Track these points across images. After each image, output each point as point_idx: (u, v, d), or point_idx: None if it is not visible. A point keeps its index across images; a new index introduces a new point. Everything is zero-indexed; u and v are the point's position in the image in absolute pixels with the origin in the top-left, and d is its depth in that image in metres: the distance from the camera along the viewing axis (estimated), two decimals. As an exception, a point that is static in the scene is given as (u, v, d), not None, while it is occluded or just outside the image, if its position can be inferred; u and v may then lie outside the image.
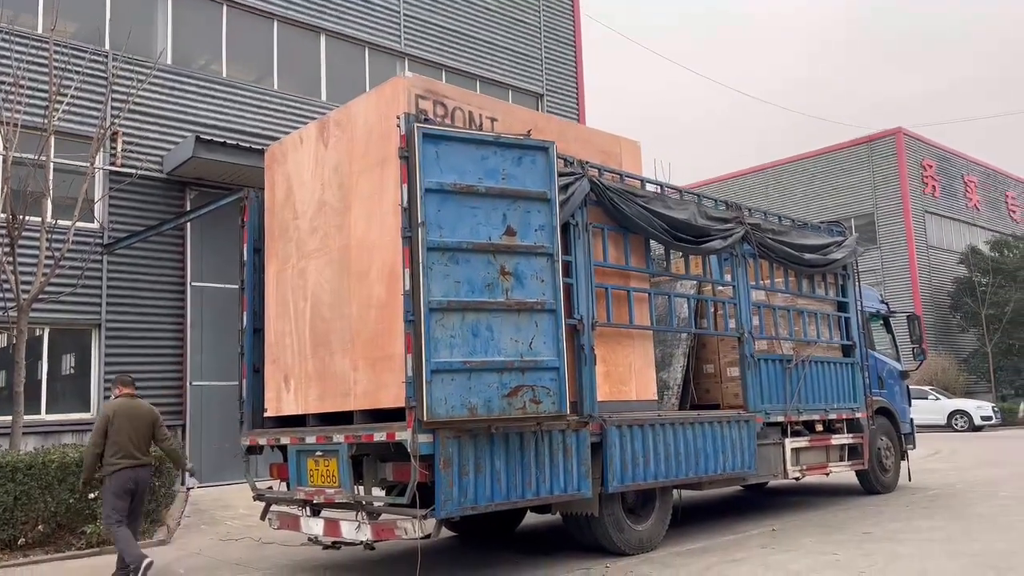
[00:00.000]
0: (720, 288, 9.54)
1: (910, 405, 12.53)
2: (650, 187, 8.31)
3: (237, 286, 14.25)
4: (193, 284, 14.51)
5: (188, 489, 13.35)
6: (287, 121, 15.87)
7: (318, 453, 6.87)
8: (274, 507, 7.68)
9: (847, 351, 10.71)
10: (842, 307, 10.83)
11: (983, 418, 27.43)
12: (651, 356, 8.12)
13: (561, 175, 6.98)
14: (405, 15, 18.43)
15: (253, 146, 14.28)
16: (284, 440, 7.28)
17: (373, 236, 6.71)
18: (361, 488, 6.77)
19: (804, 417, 9.70)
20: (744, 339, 9.00)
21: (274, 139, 15.02)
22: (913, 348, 12.29)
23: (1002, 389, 32.98)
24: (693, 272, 9.09)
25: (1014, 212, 42.07)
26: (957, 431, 26.83)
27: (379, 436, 6.29)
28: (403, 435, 6.04)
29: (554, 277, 6.57)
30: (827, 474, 10.19)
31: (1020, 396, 31.77)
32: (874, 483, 11.18)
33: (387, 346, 6.47)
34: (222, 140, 14.08)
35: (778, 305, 9.71)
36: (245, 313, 7.96)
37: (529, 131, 6.74)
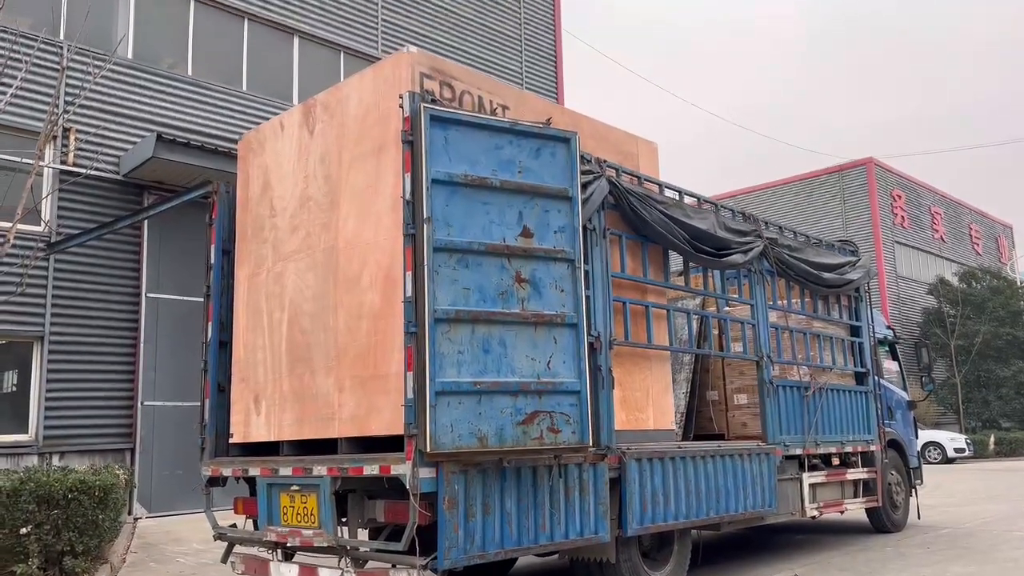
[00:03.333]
0: (726, 307, 8.77)
1: (917, 437, 11.87)
2: (668, 193, 7.51)
3: (198, 298, 13.42)
4: (149, 295, 13.37)
5: (135, 520, 12.15)
6: (254, 123, 14.84)
7: (294, 487, 5.87)
8: (238, 548, 6.64)
9: (860, 379, 10.00)
10: (855, 331, 10.14)
11: (956, 450, 27.13)
12: (669, 380, 7.29)
13: (580, 173, 6.13)
14: (383, 20, 17.60)
15: (219, 148, 13.29)
16: (253, 471, 6.26)
17: (366, 235, 5.79)
18: (345, 530, 5.77)
19: (821, 450, 8.93)
20: (763, 363, 8.22)
21: (235, 142, 14.06)
22: (921, 377, 11.65)
23: (970, 421, 32.84)
24: (697, 287, 8.30)
25: (977, 244, 42.41)
26: (930, 463, 26.41)
27: (370, 469, 5.33)
28: (401, 469, 5.09)
29: (575, 287, 5.70)
30: (842, 512, 9.41)
31: (988, 428, 31.63)
32: (885, 521, 10.45)
33: (381, 363, 5.53)
34: (185, 140, 13.04)
35: (794, 327, 8.96)
36: (210, 324, 6.94)
37: (548, 119, 5.90)
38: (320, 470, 5.65)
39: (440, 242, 5.25)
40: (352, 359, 5.73)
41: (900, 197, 36.33)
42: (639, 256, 7.09)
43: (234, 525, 6.76)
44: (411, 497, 4.98)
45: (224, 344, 6.97)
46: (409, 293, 5.19)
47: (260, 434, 6.45)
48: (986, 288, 33.91)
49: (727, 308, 8.79)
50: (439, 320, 5.15)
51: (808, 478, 8.67)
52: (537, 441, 5.35)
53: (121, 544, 10.34)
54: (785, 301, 8.89)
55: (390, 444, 5.50)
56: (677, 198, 7.55)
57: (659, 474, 6.64)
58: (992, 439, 28.99)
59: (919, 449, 26.59)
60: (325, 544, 5.58)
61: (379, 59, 17.42)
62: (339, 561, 5.61)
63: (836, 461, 9.25)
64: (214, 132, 14.29)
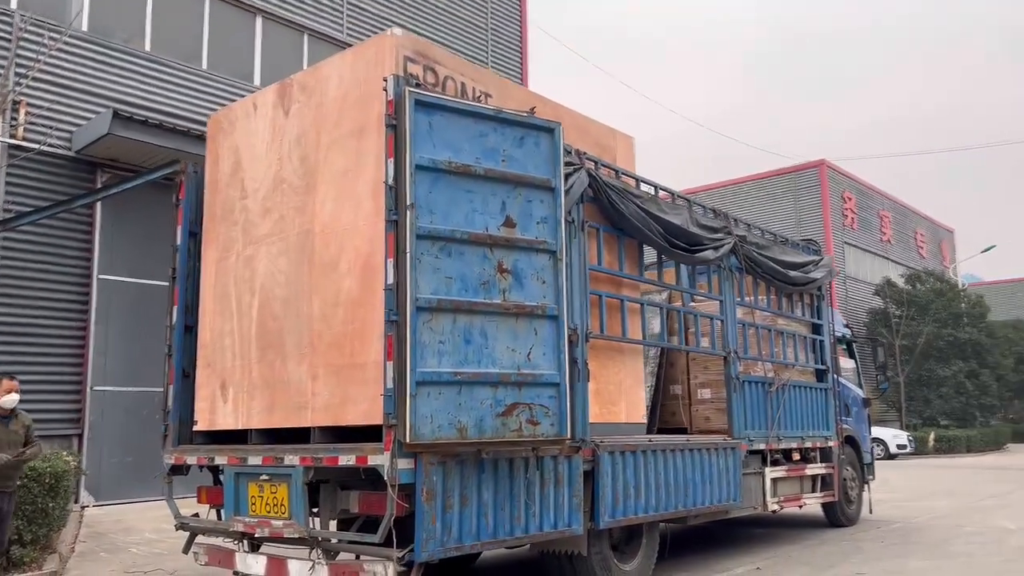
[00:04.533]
0: (691, 303, 8.82)
1: (870, 434, 12.13)
2: (643, 187, 7.50)
3: (153, 281, 13.16)
4: (101, 277, 12.92)
5: (83, 508, 11.78)
6: (215, 105, 14.45)
7: (263, 477, 5.72)
8: (201, 539, 6.46)
9: (820, 376, 10.16)
10: (816, 329, 10.29)
11: (898, 447, 27.87)
12: (641, 374, 7.29)
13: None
14: (349, 4, 17.29)
15: (177, 127, 12.91)
16: (220, 460, 6.09)
17: (344, 220, 5.65)
18: (316, 521, 5.65)
19: (783, 445, 9.05)
20: (731, 359, 8.28)
21: (199, 123, 13.68)
22: (877, 375, 11.89)
23: (911, 418, 33.75)
24: (669, 283, 8.30)
25: (922, 248, 43.55)
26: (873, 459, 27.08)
27: (346, 459, 5.21)
28: (379, 459, 4.99)
29: (556, 278, 5.66)
30: (801, 506, 9.57)
31: (928, 426, 32.54)
32: (840, 515, 10.66)
33: (358, 351, 5.41)
34: (143, 118, 12.63)
35: (760, 324, 9.05)
36: (175, 307, 6.73)
37: (533, 109, 5.83)
38: (292, 460, 5.51)
39: (423, 229, 5.16)
40: (327, 346, 5.60)
41: (850, 199, 37.09)
42: (615, 250, 7.07)
43: (196, 515, 6.58)
44: (388, 488, 4.89)
45: (189, 329, 6.77)
46: (391, 280, 5.09)
47: (227, 422, 6.27)
48: (930, 290, 34.84)
49: (692, 303, 8.84)
50: (421, 309, 5.06)
51: (770, 473, 8.78)
52: (516, 433, 5.30)
53: (69, 533, 10.02)
54: (752, 298, 8.97)
55: (365, 434, 5.39)
56: (652, 192, 7.56)
57: (631, 467, 6.64)
58: (932, 436, 29.82)
59: (864, 445, 27.31)
60: (296, 535, 5.45)
61: (345, 43, 17.14)
62: (310, 552, 5.48)
63: (796, 456, 9.38)
64: (171, 111, 13.85)
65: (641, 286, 7.53)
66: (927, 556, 8.50)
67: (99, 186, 12.88)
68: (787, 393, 9.17)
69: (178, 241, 6.78)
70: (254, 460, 5.79)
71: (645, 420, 7.32)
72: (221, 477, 6.69)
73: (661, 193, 7.71)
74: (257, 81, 15.57)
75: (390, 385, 4.98)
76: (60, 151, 12.62)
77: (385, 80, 5.30)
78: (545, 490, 5.78)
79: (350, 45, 17.23)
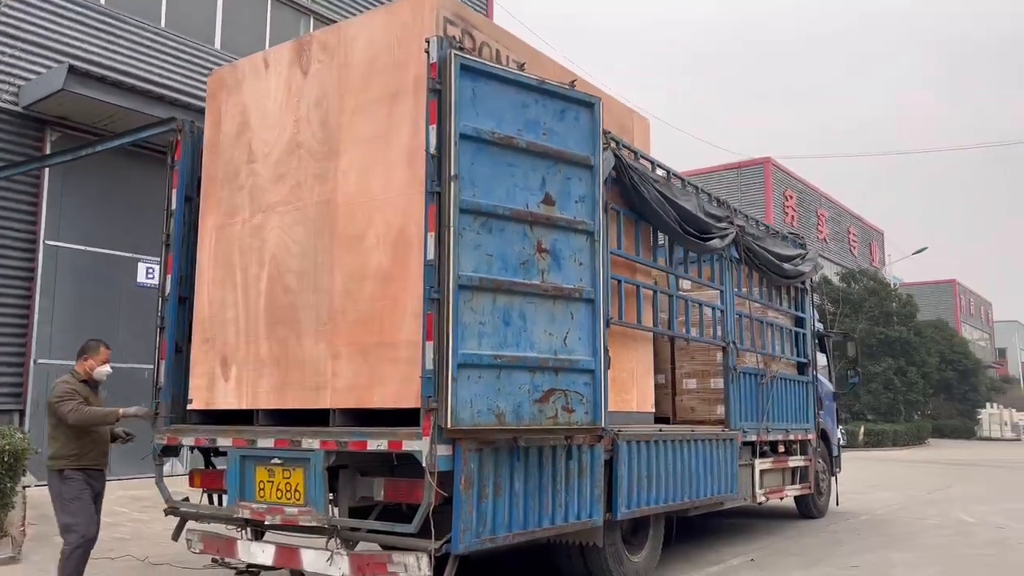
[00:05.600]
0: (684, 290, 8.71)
1: (838, 427, 12.30)
2: (658, 171, 7.33)
3: (107, 250, 12.42)
4: (47, 243, 12.11)
5: (24, 488, 11.05)
6: (172, 65, 13.72)
7: (275, 461, 5.35)
8: (192, 525, 6.04)
9: (801, 369, 10.22)
10: (799, 322, 10.33)
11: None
12: (651, 362, 7.16)
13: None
14: (315, -32, 16.62)
15: (136, 87, 12.19)
16: (223, 441, 5.68)
17: (373, 190, 5.30)
18: (335, 509, 5.31)
19: (771, 437, 9.06)
20: (730, 350, 8.21)
21: (156, 83, 12.93)
22: (848, 370, 12.05)
23: (841, 413, 34.77)
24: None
25: (854, 248, 44.88)
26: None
27: (376, 444, 4.89)
28: (416, 445, 4.69)
29: (594, 260, 5.44)
30: (782, 498, 9.62)
31: (857, 420, 33.58)
32: (811, 507, 10.78)
33: (387, 329, 5.09)
34: (100, 75, 11.87)
35: (753, 315, 9.01)
36: (169, 277, 6.24)
37: (573, 81, 5.57)
38: (311, 443, 5.16)
39: (466, 203, 4.86)
40: (352, 324, 5.25)
41: (792, 197, 37.89)
42: (632, 234, 6.88)
43: (187, 499, 6.14)
44: (428, 476, 4.60)
45: (183, 300, 6.30)
46: (431, 256, 4.78)
47: (228, 401, 5.86)
48: (863, 289, 35.90)
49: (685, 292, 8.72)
50: (463, 287, 4.77)
51: (759, 464, 8.77)
52: (552, 420, 5.08)
53: (17, 515, 9.36)
54: (747, 289, 8.92)
55: (394, 418, 5.10)
56: (665, 177, 7.40)
57: (644, 457, 6.49)
58: (862, 430, 30.77)
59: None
60: (314, 523, 5.11)
61: (307, 8, 16.50)
62: (327, 542, 5.14)
63: (781, 449, 9.41)
64: (124, 68, 13.02)
65: (652, 272, 7.36)
66: (906, 548, 8.63)
67: (48, 146, 12.09)
68: (775, 385, 9.17)
69: (173, 205, 6.29)
70: (265, 442, 5.41)
71: (653, 409, 7.18)
72: (214, 459, 6.31)
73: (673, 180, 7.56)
74: (217, 44, 14.85)
75: (429, 367, 4.68)
76: (7, 106, 11.76)
77: (427, 42, 4.96)
78: (570, 480, 5.57)
79: (313, 14, 16.65)
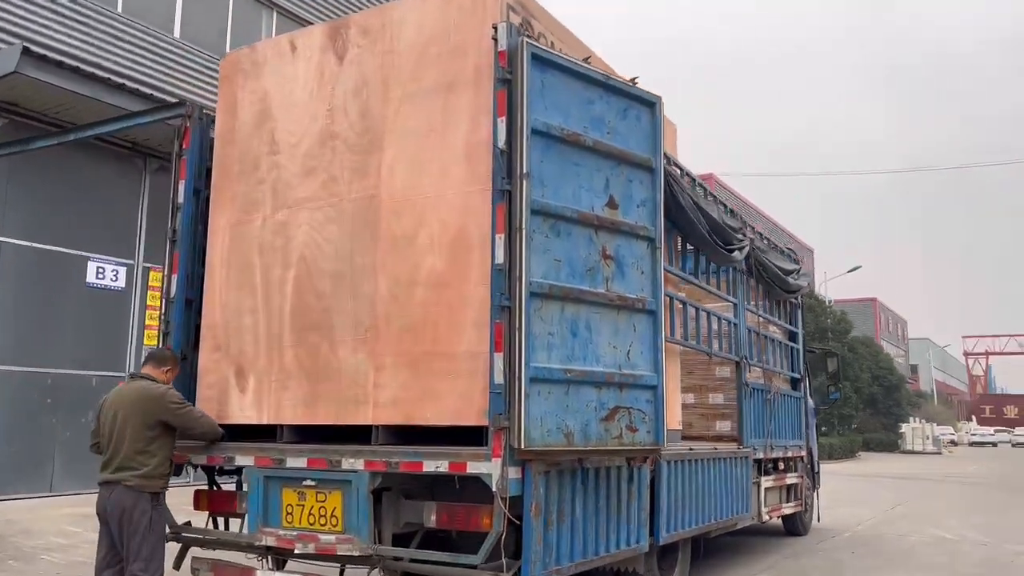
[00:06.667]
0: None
1: (817, 443, 12.27)
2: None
3: (54, 247, 11.50)
4: (-10, 238, 11.18)
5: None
6: (128, 52, 12.93)
7: (308, 482, 4.83)
8: (199, 552, 5.44)
9: (794, 384, 10.12)
10: (792, 337, 10.24)
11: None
12: (679, 377, 6.86)
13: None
14: (279, -44, 15.96)
15: (96, 74, 11.36)
16: (243, 460, 5.12)
17: (425, 187, 4.86)
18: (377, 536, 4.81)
19: (775, 454, 8.89)
20: (743, 364, 8.00)
21: (110, 70, 12.10)
22: (828, 386, 12.05)
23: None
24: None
25: (788, 264, 45.91)
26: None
27: (433, 466, 4.44)
28: (483, 467, 4.27)
29: (655, 269, 5.12)
30: (780, 516, 9.46)
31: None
32: (798, 524, 10.66)
33: (443, 339, 4.65)
34: (58, 60, 11.01)
35: (758, 329, 8.85)
36: (175, 277, 5.65)
37: (635, 79, 5.25)
38: (353, 463, 4.67)
39: (536, 203, 4.48)
40: (398, 332, 4.79)
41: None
42: (665, 243, 6.58)
43: (188, 523, 5.54)
44: (499, 502, 4.18)
45: (189, 303, 5.72)
46: (500, 260, 4.38)
47: (246, 415, 5.30)
48: (801, 305, 36.64)
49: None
50: (534, 294, 4.38)
51: (764, 482, 8.58)
52: (617, 440, 4.73)
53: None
54: (755, 302, 8.76)
55: (437, 435, 4.67)
56: (691, 183, 7.14)
57: (681, 477, 6.20)
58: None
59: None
60: (356, 552, 4.61)
61: (271, 3, 15.81)
62: (369, 572, 4.65)
63: (781, 466, 9.26)
64: (77, 53, 12.18)
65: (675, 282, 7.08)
66: (907, 568, 8.56)
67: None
68: (778, 401, 9.03)
69: (180, 199, 5.70)
70: (295, 462, 4.88)
71: (681, 427, 6.89)
72: (219, 479, 5.74)
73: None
74: (176, 33, 14.09)
75: (499, 381, 4.27)
76: (-50, 88, 10.80)
77: (495, 28, 4.57)
78: (622, 503, 5.22)
79: (276, 7, 15.96)
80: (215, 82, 13.92)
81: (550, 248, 4.55)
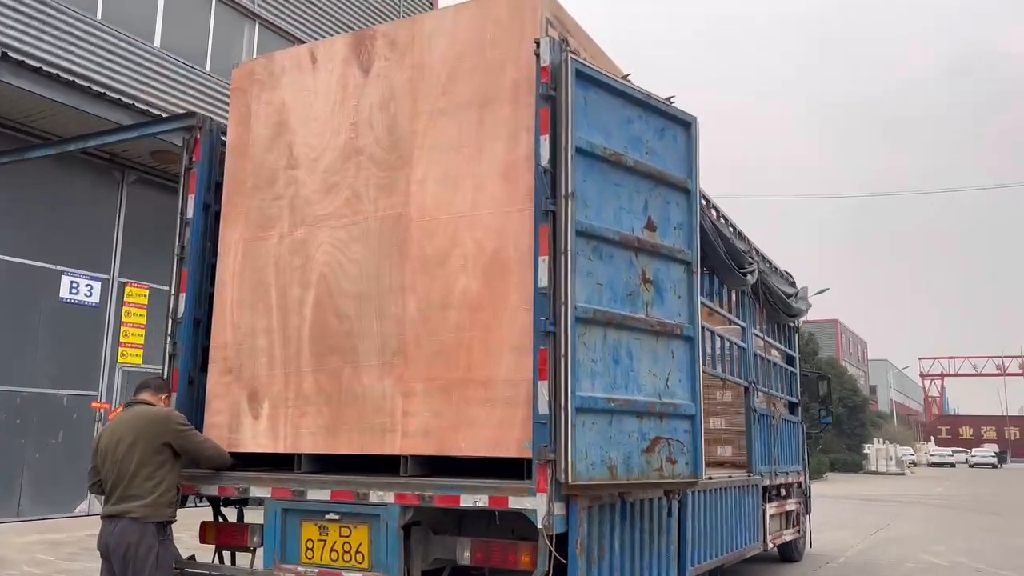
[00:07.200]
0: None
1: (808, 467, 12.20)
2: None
3: (16, 259, 11.01)
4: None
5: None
6: (109, 60, 12.52)
7: (331, 516, 4.56)
8: (205, 588, 5.11)
9: (792, 408, 10.04)
10: (789, 361, 10.17)
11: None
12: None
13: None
14: (264, -35, 15.68)
15: (76, 82, 10.98)
16: (259, 491, 4.82)
17: (458, 206, 4.65)
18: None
19: (779, 480, 8.78)
20: (751, 389, 7.88)
21: (89, 78, 11.69)
22: (820, 410, 12.01)
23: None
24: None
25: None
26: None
27: (471, 500, 4.20)
28: (527, 502, 4.04)
29: (691, 293, 4.96)
30: (781, 543, 9.33)
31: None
32: (793, 550, 10.55)
33: (478, 365, 4.43)
34: (36, 66, 10.62)
35: (763, 354, 8.75)
36: (183, 296, 5.35)
37: (671, 97, 5.11)
38: (383, 496, 4.41)
39: (581, 224, 4.30)
40: (429, 357, 4.56)
41: (703, 234, 38.73)
42: (686, 265, 6.44)
43: (192, 557, 5.22)
44: (544, 539, 3.96)
45: (197, 323, 5.42)
46: (543, 284, 4.18)
47: (260, 443, 5.01)
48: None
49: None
50: (579, 319, 4.19)
51: (769, 508, 8.45)
52: (658, 473, 4.54)
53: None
54: (759, 326, 8.66)
55: (467, 465, 4.44)
56: (707, 204, 7.03)
57: (705, 508, 6.03)
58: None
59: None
60: (385, 592, 4.34)
61: (254, 15, 15.51)
62: (401, 614, 4.39)
63: (783, 492, 9.15)
64: (56, 61, 11.74)
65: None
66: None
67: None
68: (779, 426, 8.92)
69: (190, 213, 5.41)
70: (317, 494, 4.61)
71: (697, 454, 6.72)
72: (224, 510, 5.43)
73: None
74: (157, 42, 13.71)
75: (544, 410, 4.06)
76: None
77: (537, 43, 4.40)
78: (653, 537, 5.03)
79: (259, 18, 15.65)
80: (195, 92, 13.72)
81: (593, 271, 4.37)
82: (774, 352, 9.33)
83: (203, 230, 5.47)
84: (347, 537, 4.51)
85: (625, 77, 4.85)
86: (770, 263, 9.51)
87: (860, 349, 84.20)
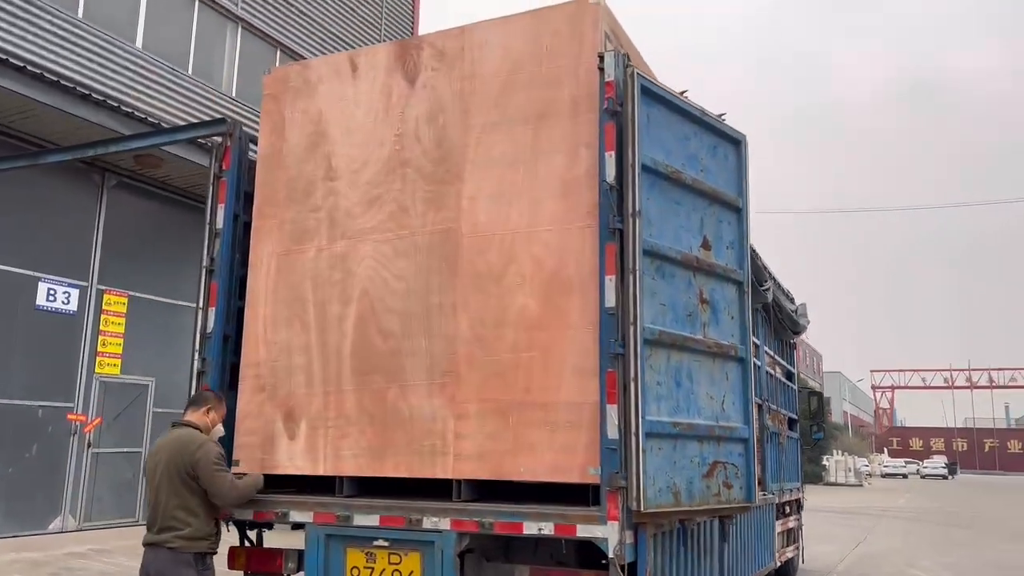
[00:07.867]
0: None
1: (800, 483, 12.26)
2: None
3: (6, 266, 10.57)
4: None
5: None
6: (89, 60, 12.11)
7: (380, 542, 4.37)
8: (235, 617, 4.89)
9: (792, 425, 10.05)
10: (789, 377, 10.19)
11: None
12: (722, 422, 6.63)
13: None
14: (247, -29, 15.38)
15: (60, 82, 10.59)
16: (300, 516, 4.61)
17: (514, 222, 4.52)
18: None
19: (786, 497, 8.77)
20: (764, 407, 7.85)
21: (72, 79, 11.30)
22: (812, 426, 12.07)
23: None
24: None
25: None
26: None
27: (535, 527, 4.06)
28: (597, 531, 3.91)
29: (744, 314, 4.89)
30: (783, 561, 9.30)
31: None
32: (790, 567, 10.54)
33: (537, 386, 4.29)
34: (19, 64, 10.22)
35: (771, 370, 8.74)
36: (213, 310, 5.12)
37: (723, 114, 5.05)
38: (437, 522, 4.24)
39: (647, 243, 4.20)
40: (484, 377, 4.40)
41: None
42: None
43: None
44: (616, 569, 3.83)
45: (226, 339, 5.19)
46: (610, 304, 4.07)
47: (297, 464, 4.80)
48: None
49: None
50: (647, 341, 4.08)
51: (777, 526, 8.44)
52: (717, 498, 4.45)
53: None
54: (769, 342, 8.65)
55: (523, 490, 4.31)
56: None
57: (737, 529, 5.95)
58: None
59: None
60: (440, 623, 4.17)
61: (237, 17, 15.19)
62: (453, 645, 4.22)
63: (787, 509, 9.15)
64: (38, 60, 11.31)
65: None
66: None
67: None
68: (785, 443, 8.93)
69: (220, 224, 5.19)
70: (364, 519, 4.42)
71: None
72: (250, 534, 5.20)
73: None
74: (139, 43, 13.32)
75: (614, 435, 3.94)
76: None
77: (600, 57, 4.30)
78: (702, 563, 4.94)
79: (242, 21, 15.33)
80: (178, 94, 13.36)
81: (656, 291, 4.27)
82: (778, 369, 9.33)
83: (232, 242, 5.25)
84: (397, 565, 4.33)
85: (682, 93, 4.77)
86: (774, 279, 9.53)
87: (815, 362, 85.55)
